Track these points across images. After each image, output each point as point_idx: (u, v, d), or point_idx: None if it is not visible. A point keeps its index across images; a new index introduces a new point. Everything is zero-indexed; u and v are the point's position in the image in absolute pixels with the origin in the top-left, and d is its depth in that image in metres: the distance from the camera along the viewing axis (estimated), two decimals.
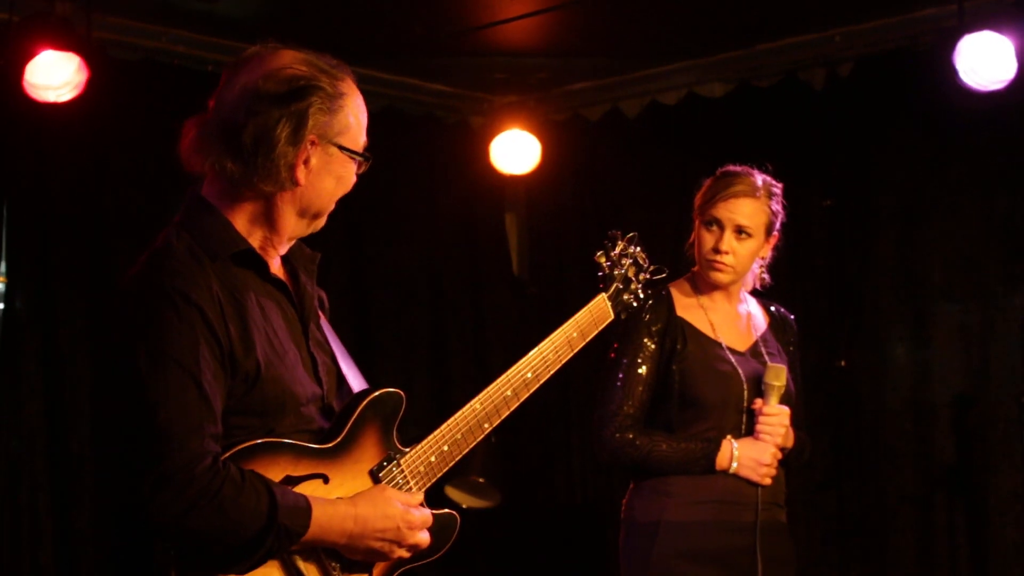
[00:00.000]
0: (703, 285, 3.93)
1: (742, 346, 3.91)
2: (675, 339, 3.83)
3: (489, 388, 2.86)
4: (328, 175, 2.61)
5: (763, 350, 3.91)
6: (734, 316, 3.95)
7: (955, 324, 5.63)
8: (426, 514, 2.67)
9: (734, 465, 3.76)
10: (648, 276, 3.37)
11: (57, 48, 4.94)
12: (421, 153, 6.52)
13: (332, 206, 2.67)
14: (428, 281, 6.62)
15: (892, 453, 5.66)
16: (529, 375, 2.92)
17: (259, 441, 2.51)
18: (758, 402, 3.80)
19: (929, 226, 5.68)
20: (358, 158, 2.65)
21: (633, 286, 3.33)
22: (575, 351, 3.06)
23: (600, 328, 3.16)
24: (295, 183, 2.58)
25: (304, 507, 2.48)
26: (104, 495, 5.23)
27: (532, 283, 6.94)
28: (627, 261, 3.32)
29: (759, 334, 3.96)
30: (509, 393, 2.88)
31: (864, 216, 5.82)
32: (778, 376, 3.80)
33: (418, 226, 6.58)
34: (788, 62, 6.03)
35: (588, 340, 3.11)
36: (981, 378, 5.52)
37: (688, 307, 3.88)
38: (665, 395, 3.84)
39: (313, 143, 2.57)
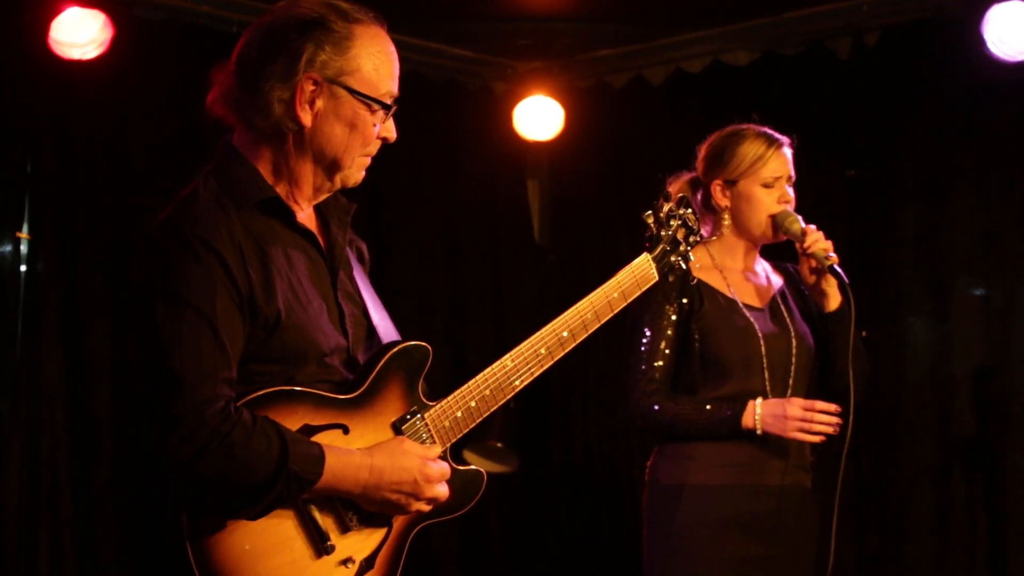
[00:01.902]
0: (722, 249, 3.97)
1: (759, 303, 3.97)
2: (692, 299, 3.87)
3: (522, 345, 2.81)
4: (337, 120, 2.60)
5: (781, 305, 3.97)
6: (751, 275, 4.01)
7: (976, 297, 5.63)
8: (444, 467, 2.66)
9: (758, 422, 3.78)
10: (698, 239, 3.24)
11: (82, 5, 4.98)
12: (443, 119, 6.52)
13: (352, 156, 2.64)
14: (448, 247, 6.62)
15: (911, 425, 5.66)
16: (565, 334, 2.85)
17: (278, 389, 2.53)
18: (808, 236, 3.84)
19: (953, 199, 5.66)
20: (370, 102, 2.61)
21: (682, 248, 3.17)
22: (615, 312, 2.96)
23: (643, 289, 3.04)
24: (298, 124, 2.58)
25: (317, 455, 2.49)
26: (124, 451, 5.27)
27: (553, 250, 6.94)
28: (676, 222, 3.17)
29: (776, 290, 4.01)
30: (543, 351, 2.81)
31: (887, 187, 5.80)
32: (786, 218, 3.87)
33: (439, 192, 6.58)
34: (814, 31, 6.00)
35: (629, 301, 3.00)
36: (1001, 352, 5.51)
37: (704, 269, 3.92)
38: (687, 356, 3.88)
39: (316, 83, 2.57)
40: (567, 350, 2.87)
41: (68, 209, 5.33)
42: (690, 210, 3.23)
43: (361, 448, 2.58)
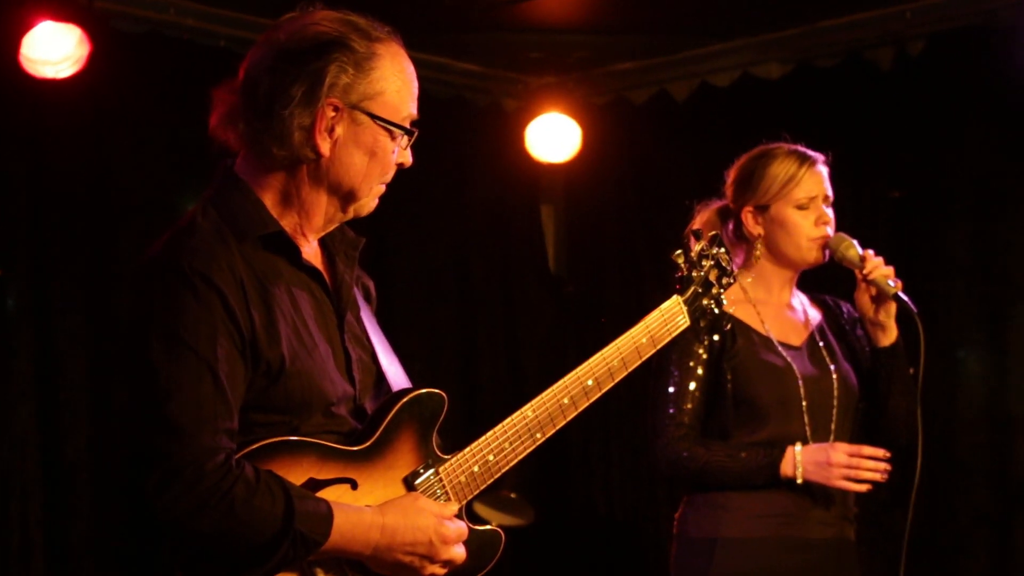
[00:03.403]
0: (756, 281, 3.94)
1: (796, 340, 3.94)
2: (724, 337, 3.85)
3: (543, 394, 2.80)
4: (357, 148, 2.59)
5: (820, 342, 3.94)
6: (788, 310, 3.99)
7: None
8: (461, 527, 2.64)
9: (799, 471, 3.74)
10: (731, 280, 3.20)
11: (56, 19, 4.96)
12: (450, 139, 6.51)
13: (370, 186, 2.64)
14: (457, 278, 6.61)
15: (965, 469, 5.63)
16: (590, 382, 2.84)
17: (281, 439, 2.50)
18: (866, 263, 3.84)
19: (1007, 220, 5.64)
20: (393, 129, 2.60)
21: (715, 290, 3.15)
22: (643, 359, 2.95)
23: (674, 335, 3.03)
24: (316, 153, 2.57)
25: (325, 513, 2.46)
26: (103, 505, 5.23)
27: (569, 281, 6.92)
28: (708, 263, 3.15)
29: (815, 326, 3.98)
30: (566, 401, 2.81)
31: (935, 209, 5.78)
32: (840, 243, 3.85)
33: (446, 218, 6.57)
34: (853, 40, 6.00)
35: (659, 348, 2.98)
36: None
37: (736, 303, 3.88)
38: (719, 398, 3.85)
39: (337, 108, 2.56)
40: (592, 400, 2.86)
41: (42, 241, 5.30)
42: (723, 249, 3.20)
43: (372, 505, 2.56)
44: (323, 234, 2.70)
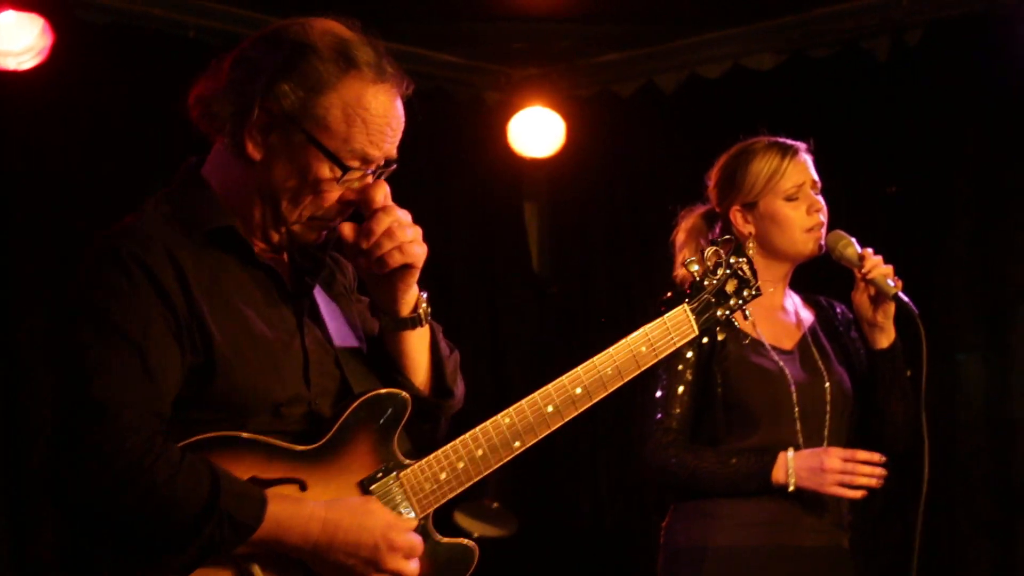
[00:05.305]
0: None
1: (788, 343, 3.94)
2: (713, 339, 3.83)
3: (524, 401, 2.72)
4: (287, 162, 2.55)
5: (812, 346, 3.94)
6: (780, 311, 3.98)
7: None
8: (415, 540, 2.58)
9: (791, 477, 3.75)
10: (754, 293, 3.03)
11: (18, 8, 4.95)
12: (429, 133, 6.50)
13: (298, 211, 2.58)
14: (436, 279, 6.53)
15: (965, 475, 5.63)
16: (578, 391, 2.74)
17: (221, 434, 2.47)
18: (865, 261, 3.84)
19: (1008, 216, 5.64)
20: (327, 157, 2.53)
21: (732, 301, 2.98)
22: (641, 369, 2.81)
23: (677, 346, 2.87)
24: (243, 153, 2.55)
25: (256, 497, 2.44)
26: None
27: (554, 282, 6.93)
28: (724, 271, 2.99)
29: (807, 328, 3.99)
30: (550, 410, 2.72)
31: (934, 205, 5.79)
32: (839, 241, 3.85)
33: (425, 216, 6.40)
34: (848, 29, 6.02)
35: (660, 359, 2.85)
36: None
37: None
38: (708, 403, 3.85)
39: (271, 113, 2.52)
40: (581, 410, 2.76)
41: (2, 238, 5.30)
42: (744, 259, 3.04)
43: (317, 500, 2.52)
44: (281, 246, 2.66)
